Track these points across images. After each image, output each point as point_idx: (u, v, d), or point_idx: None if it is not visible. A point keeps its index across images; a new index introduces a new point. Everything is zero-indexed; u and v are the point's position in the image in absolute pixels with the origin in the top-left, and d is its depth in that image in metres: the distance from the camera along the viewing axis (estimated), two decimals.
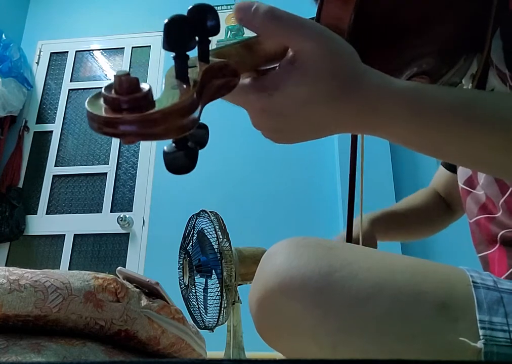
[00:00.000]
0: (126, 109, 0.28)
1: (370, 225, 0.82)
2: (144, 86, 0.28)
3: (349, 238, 0.73)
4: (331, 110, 0.36)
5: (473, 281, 0.40)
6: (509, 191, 0.55)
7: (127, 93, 0.28)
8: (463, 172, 0.67)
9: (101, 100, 0.29)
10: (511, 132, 0.36)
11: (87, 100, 0.29)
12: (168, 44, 0.30)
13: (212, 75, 0.33)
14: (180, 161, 0.32)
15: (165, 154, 0.32)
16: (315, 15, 0.44)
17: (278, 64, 0.38)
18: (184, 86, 0.30)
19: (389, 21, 0.45)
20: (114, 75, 0.28)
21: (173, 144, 0.32)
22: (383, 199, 2.31)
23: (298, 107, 0.36)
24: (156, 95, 0.29)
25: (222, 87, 0.34)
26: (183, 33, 0.30)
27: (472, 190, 0.64)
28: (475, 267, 0.44)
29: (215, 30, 0.32)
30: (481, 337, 0.37)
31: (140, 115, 0.27)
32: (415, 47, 0.48)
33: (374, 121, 0.37)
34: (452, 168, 0.86)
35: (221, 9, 2.97)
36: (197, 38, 0.32)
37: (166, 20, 0.29)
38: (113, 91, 0.28)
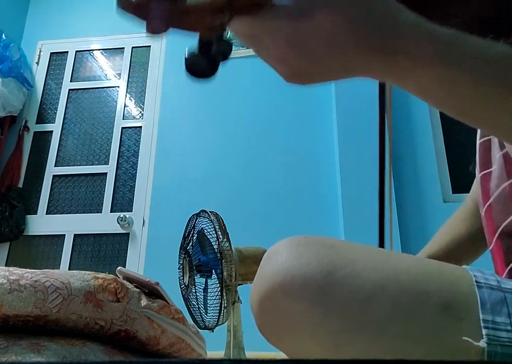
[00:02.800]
0: None
1: None
2: None
3: None
4: (361, 47, 0.33)
5: (476, 281, 0.40)
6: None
7: None
8: (478, 160, 0.65)
9: None
10: None
11: None
12: None
13: None
14: (201, 64, 0.31)
15: (188, 55, 0.31)
16: None
17: None
18: None
19: None
20: None
21: (197, 46, 0.31)
22: None
23: (327, 40, 0.33)
24: None
25: (254, 2, 0.33)
26: None
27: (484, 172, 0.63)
28: (479, 266, 0.44)
29: None
30: (484, 337, 0.37)
31: (174, 0, 0.27)
32: (440, 17, 0.46)
33: (403, 64, 0.34)
34: None
35: None
36: None
37: None
38: None
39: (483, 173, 0.64)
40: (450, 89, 0.35)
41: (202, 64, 0.31)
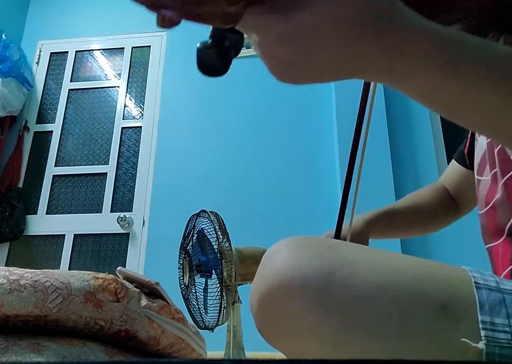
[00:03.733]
0: None
1: (364, 225, 0.82)
2: None
3: (338, 235, 0.72)
4: (358, 42, 0.32)
5: (475, 282, 0.40)
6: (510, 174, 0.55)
7: None
8: (476, 161, 0.66)
9: None
10: None
11: None
12: None
13: None
14: (213, 58, 0.30)
15: (199, 49, 0.30)
16: None
17: None
18: None
19: None
20: None
21: (209, 40, 0.30)
22: (382, 197, 2.31)
23: (322, 33, 0.31)
24: None
25: None
26: None
27: (482, 178, 0.64)
28: (477, 266, 0.44)
29: None
30: (483, 338, 0.36)
31: None
32: (444, 13, 0.46)
33: (400, 63, 0.33)
34: (465, 163, 0.83)
35: None
36: None
37: None
38: None
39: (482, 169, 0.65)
40: (446, 90, 0.34)
41: (215, 58, 0.30)
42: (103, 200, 2.78)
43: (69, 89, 3.13)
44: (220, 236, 1.26)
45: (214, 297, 1.25)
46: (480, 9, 0.47)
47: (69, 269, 2.19)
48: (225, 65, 0.30)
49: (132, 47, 3.17)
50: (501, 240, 0.58)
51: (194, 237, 1.34)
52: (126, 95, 3.06)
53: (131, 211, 2.72)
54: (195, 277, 1.32)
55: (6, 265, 2.56)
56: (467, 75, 0.33)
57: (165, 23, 0.28)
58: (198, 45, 0.30)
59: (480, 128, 0.38)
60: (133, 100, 3.07)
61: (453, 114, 0.36)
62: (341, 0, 0.31)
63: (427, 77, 0.33)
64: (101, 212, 2.77)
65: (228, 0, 0.28)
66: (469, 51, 0.33)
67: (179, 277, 1.38)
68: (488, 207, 0.62)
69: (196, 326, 1.09)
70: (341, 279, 0.39)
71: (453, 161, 0.88)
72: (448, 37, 0.33)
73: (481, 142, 0.66)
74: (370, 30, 0.32)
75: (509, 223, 0.57)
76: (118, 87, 3.10)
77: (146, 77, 3.07)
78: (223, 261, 1.22)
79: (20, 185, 2.88)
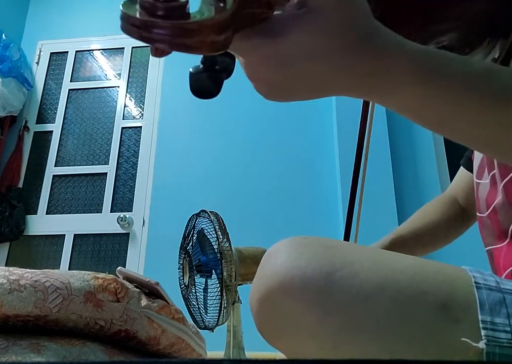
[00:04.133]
0: (161, 16, 0.28)
1: None
2: None
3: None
4: (340, 66, 0.33)
5: (475, 282, 0.40)
6: (510, 176, 0.55)
7: (165, 0, 0.28)
8: (475, 164, 0.66)
9: (137, 5, 0.29)
10: None
11: (122, 3, 0.29)
12: None
13: (247, 1, 0.32)
14: (205, 82, 0.32)
15: (191, 74, 0.32)
16: None
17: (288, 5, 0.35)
18: (221, 4, 0.30)
19: None
20: None
21: (201, 65, 0.32)
22: (382, 197, 2.31)
23: (305, 58, 0.33)
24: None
25: (255, 16, 0.33)
26: None
27: (481, 181, 0.64)
28: (477, 266, 0.44)
29: None
30: (483, 338, 0.37)
31: (177, 22, 0.27)
32: (439, 21, 0.46)
33: (383, 83, 0.34)
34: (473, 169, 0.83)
35: None
36: None
37: None
38: None
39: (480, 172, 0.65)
40: (429, 107, 0.35)
41: (206, 83, 0.32)
42: (103, 200, 2.78)
43: (69, 89, 3.13)
44: (220, 236, 1.26)
45: (214, 297, 1.25)
46: (474, 17, 0.48)
47: (69, 269, 2.19)
48: (217, 88, 0.32)
49: (132, 47, 3.17)
50: (504, 243, 0.58)
51: (194, 237, 1.34)
52: (126, 95, 3.06)
53: (131, 211, 2.72)
54: (195, 277, 1.32)
55: (6, 265, 2.56)
56: (447, 91, 0.34)
57: (158, 53, 0.29)
58: (191, 69, 0.32)
59: (468, 142, 0.39)
60: (133, 100, 3.07)
61: (439, 128, 0.38)
62: (324, 28, 0.32)
63: (410, 95, 0.34)
64: (101, 212, 2.77)
65: (216, 30, 0.29)
66: (449, 69, 0.34)
67: (179, 277, 1.38)
68: (489, 210, 0.62)
69: (196, 326, 1.09)
70: (341, 279, 0.39)
71: (461, 168, 0.85)
72: (427, 55, 0.34)
73: None
74: (352, 53, 0.33)
75: None
76: (118, 87, 3.10)
77: (146, 77, 3.07)
78: (223, 261, 1.22)
79: (20, 185, 2.88)
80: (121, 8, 0.28)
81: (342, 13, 0.32)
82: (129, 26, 0.28)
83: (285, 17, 0.33)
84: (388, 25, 0.35)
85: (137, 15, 0.28)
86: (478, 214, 0.66)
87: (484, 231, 0.65)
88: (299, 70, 0.33)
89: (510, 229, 0.57)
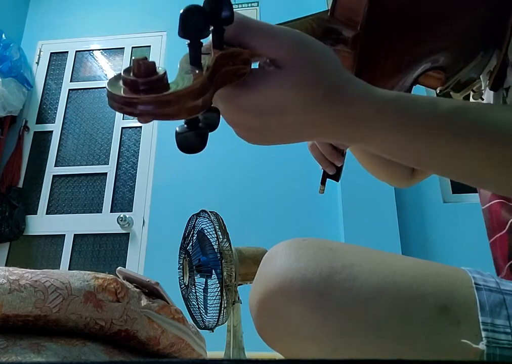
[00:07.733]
0: (143, 90, 0.30)
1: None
2: (160, 70, 0.30)
3: None
4: (313, 117, 0.35)
5: (475, 283, 0.40)
6: None
7: (144, 76, 0.30)
8: None
9: (121, 82, 0.31)
10: (495, 145, 0.36)
11: (107, 81, 0.31)
12: (183, 31, 0.31)
13: (224, 62, 0.34)
14: (191, 140, 0.34)
15: (177, 134, 0.34)
16: (330, 8, 0.43)
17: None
18: (197, 71, 0.32)
19: (404, 15, 0.45)
20: (133, 59, 0.30)
21: (185, 125, 0.34)
22: (382, 197, 2.31)
23: (278, 111, 0.35)
24: (171, 78, 0.31)
25: (233, 74, 0.35)
26: (198, 22, 0.32)
27: None
28: (477, 266, 0.44)
29: (229, 20, 0.33)
30: (483, 339, 0.37)
31: (156, 96, 0.29)
32: (430, 41, 0.47)
33: (357, 130, 0.36)
34: None
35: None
36: (211, 27, 0.33)
37: (182, 10, 0.31)
38: (131, 74, 0.30)
39: None
40: (405, 148, 0.37)
41: (192, 140, 0.34)
42: (103, 200, 2.78)
43: (69, 89, 3.13)
44: (220, 236, 1.26)
45: (214, 297, 1.25)
46: (463, 33, 0.49)
47: (69, 269, 2.19)
48: (203, 144, 0.34)
49: (132, 47, 3.17)
50: (502, 233, 0.58)
51: (194, 237, 1.34)
52: None
53: (131, 211, 2.72)
54: (195, 277, 1.32)
55: (6, 265, 2.56)
56: (418, 134, 0.36)
57: (143, 121, 0.31)
58: (177, 128, 0.34)
59: (448, 176, 0.42)
60: None
61: (418, 165, 0.41)
62: (294, 85, 0.34)
63: (384, 140, 0.37)
64: (101, 212, 2.77)
65: (194, 96, 0.31)
66: (418, 113, 0.37)
67: (179, 277, 1.38)
68: (491, 203, 0.62)
69: (196, 326, 1.09)
70: (340, 282, 0.39)
71: None
72: (396, 103, 0.37)
73: None
74: (321, 105, 0.35)
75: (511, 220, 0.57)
76: None
77: None
78: (223, 261, 1.22)
79: (20, 185, 2.88)
80: (107, 87, 0.30)
81: (309, 71, 0.34)
82: (114, 102, 0.30)
83: (258, 72, 0.35)
84: (373, 57, 0.37)
85: (121, 92, 0.30)
86: (481, 207, 0.66)
87: (486, 223, 0.65)
88: (272, 120, 0.35)
89: (510, 221, 0.57)
